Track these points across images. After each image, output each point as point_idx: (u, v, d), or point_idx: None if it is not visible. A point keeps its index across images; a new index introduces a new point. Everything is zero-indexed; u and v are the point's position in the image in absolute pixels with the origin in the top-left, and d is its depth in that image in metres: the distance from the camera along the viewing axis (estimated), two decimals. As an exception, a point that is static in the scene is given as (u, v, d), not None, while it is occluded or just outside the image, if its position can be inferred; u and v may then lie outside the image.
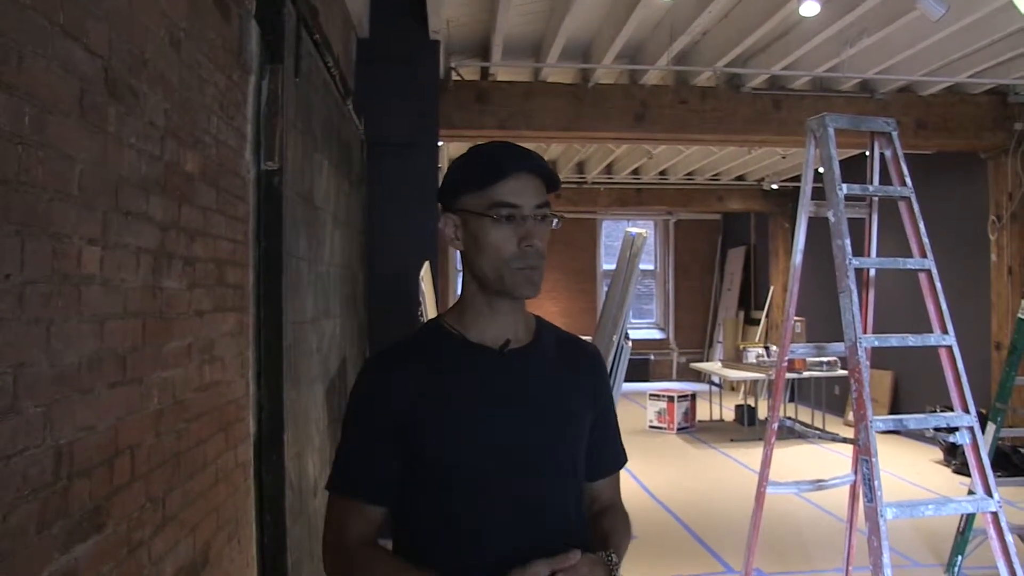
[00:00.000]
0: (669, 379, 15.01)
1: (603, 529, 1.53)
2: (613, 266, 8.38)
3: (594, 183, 12.47)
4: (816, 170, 3.86)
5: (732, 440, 9.56)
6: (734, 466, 8.35)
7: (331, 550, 1.45)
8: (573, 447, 1.51)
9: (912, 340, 3.58)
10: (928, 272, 3.62)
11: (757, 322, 13.42)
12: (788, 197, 12.58)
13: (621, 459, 1.65)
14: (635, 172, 11.84)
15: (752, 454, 8.54)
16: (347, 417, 1.50)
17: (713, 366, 11.47)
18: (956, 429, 3.51)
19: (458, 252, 1.50)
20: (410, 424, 1.41)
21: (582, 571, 1.33)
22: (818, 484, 3.94)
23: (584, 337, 1.80)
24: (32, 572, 1.28)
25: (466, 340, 1.47)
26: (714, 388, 11.35)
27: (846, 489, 4.12)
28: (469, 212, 1.44)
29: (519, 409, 1.44)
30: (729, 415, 11.03)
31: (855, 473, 3.96)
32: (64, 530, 1.39)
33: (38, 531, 1.30)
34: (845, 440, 4.37)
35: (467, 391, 1.44)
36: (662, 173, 11.90)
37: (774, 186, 12.30)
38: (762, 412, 10.17)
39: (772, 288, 13.01)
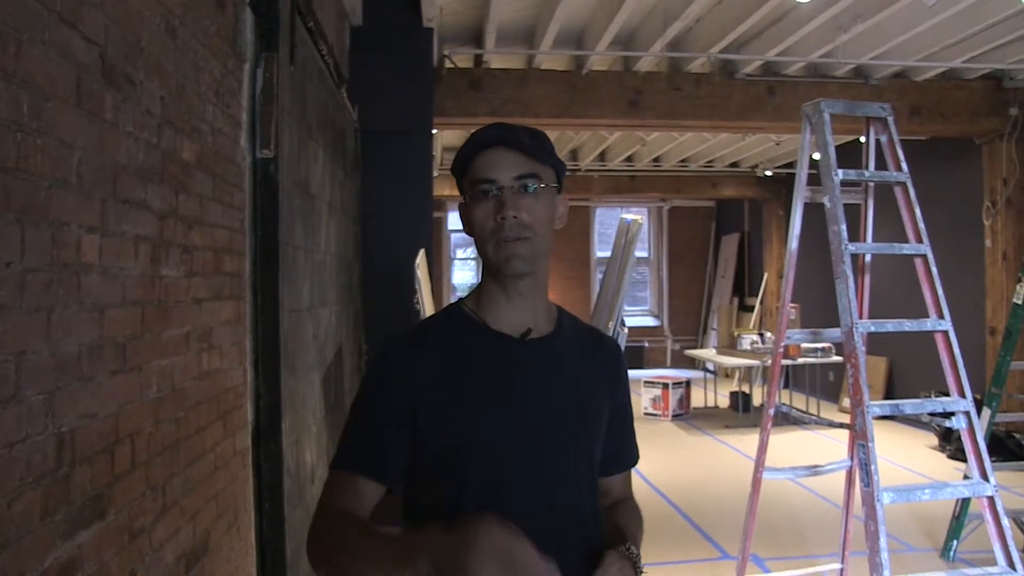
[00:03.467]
0: (663, 366, 15.04)
1: (618, 522, 1.50)
2: (607, 254, 8.38)
3: (588, 170, 12.46)
4: (811, 156, 3.86)
5: (727, 427, 9.59)
6: (729, 452, 8.38)
7: (315, 521, 1.37)
8: (589, 441, 1.47)
9: (908, 325, 3.59)
10: (924, 257, 3.63)
11: (751, 309, 13.45)
12: (782, 184, 12.59)
13: (635, 456, 1.63)
14: (629, 159, 11.83)
15: (746, 440, 8.58)
16: (360, 395, 1.46)
17: (707, 353, 11.49)
18: (952, 414, 3.52)
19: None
20: (424, 408, 1.39)
21: (612, 571, 1.30)
22: (814, 469, 3.95)
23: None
24: (36, 558, 1.28)
25: (487, 327, 1.44)
26: (708, 375, 11.38)
27: (841, 475, 4.14)
28: (464, 195, 1.43)
29: (536, 400, 1.41)
30: (724, 402, 11.06)
31: (851, 458, 3.98)
32: (67, 517, 1.39)
33: (41, 518, 1.30)
34: (842, 426, 4.38)
35: (485, 379, 1.41)
36: (656, 160, 11.89)
37: (768, 173, 12.32)
38: (756, 399, 10.21)
39: (766, 275, 13.03)
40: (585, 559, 1.41)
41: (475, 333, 1.44)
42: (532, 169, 1.39)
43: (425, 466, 1.41)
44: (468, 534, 1.13)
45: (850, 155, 5.54)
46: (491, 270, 1.43)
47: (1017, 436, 6.98)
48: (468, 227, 1.42)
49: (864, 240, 3.97)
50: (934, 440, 8.38)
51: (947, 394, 3.59)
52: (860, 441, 3.33)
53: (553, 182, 1.44)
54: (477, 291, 1.48)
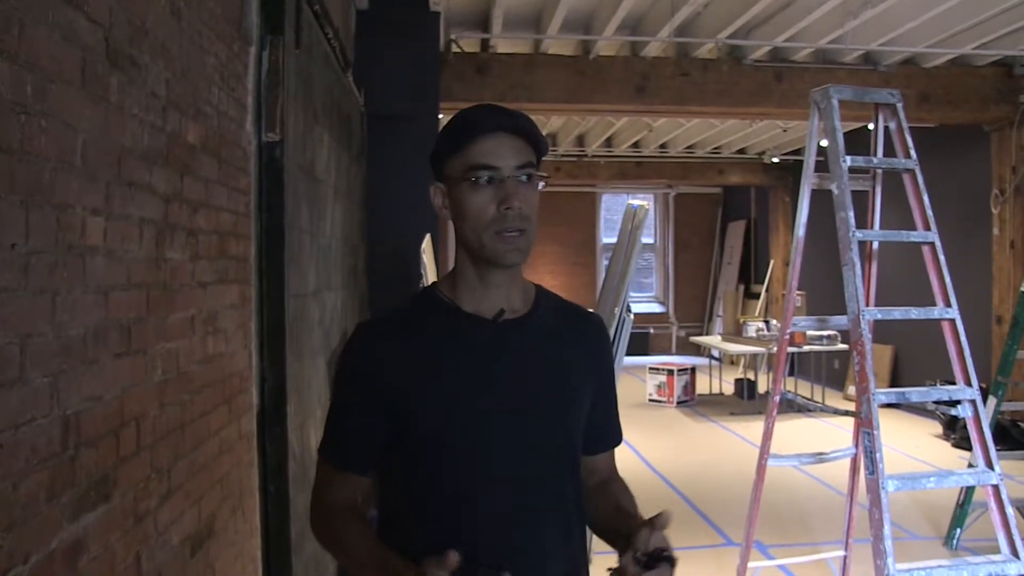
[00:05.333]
0: (669, 353, 15.05)
1: (618, 503, 1.49)
2: (613, 240, 8.34)
3: (594, 156, 12.42)
4: (819, 143, 3.85)
5: (732, 414, 9.60)
6: (734, 439, 8.39)
7: (314, 510, 1.50)
8: (569, 421, 1.46)
9: (915, 313, 3.58)
10: (932, 245, 3.62)
11: (757, 296, 13.43)
12: (789, 171, 12.54)
13: (619, 435, 1.62)
14: (635, 145, 11.79)
15: (752, 428, 8.58)
16: (335, 384, 1.48)
17: (713, 340, 11.49)
18: (957, 402, 3.52)
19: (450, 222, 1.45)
20: (399, 395, 1.38)
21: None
22: (819, 457, 3.96)
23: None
24: (42, 540, 1.28)
25: (459, 310, 1.42)
26: (714, 362, 11.38)
27: (846, 463, 4.15)
28: (451, 178, 1.39)
29: (513, 382, 1.40)
30: (729, 389, 11.07)
31: (856, 446, 3.98)
32: (72, 499, 1.39)
33: (47, 500, 1.30)
34: (847, 413, 4.38)
35: (459, 363, 1.40)
36: (662, 146, 11.86)
37: (775, 159, 12.27)
38: (762, 386, 10.21)
39: (772, 262, 13.01)
40: (566, 542, 1.42)
41: (447, 316, 1.43)
42: (531, 158, 1.38)
43: (401, 449, 1.41)
44: None
45: (858, 142, 5.50)
46: (477, 256, 1.40)
47: (1022, 425, 6.97)
48: (458, 211, 1.39)
49: (871, 227, 3.96)
50: (939, 428, 8.37)
51: (953, 382, 3.58)
52: (865, 429, 3.33)
53: (539, 170, 1.42)
54: (452, 274, 1.46)
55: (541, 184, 1.42)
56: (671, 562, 1.25)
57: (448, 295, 1.45)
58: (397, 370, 1.39)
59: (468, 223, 1.38)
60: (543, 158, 1.46)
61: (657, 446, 7.74)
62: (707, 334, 14.31)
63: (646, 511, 1.56)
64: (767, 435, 3.86)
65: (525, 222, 1.36)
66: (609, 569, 1.28)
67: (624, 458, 1.65)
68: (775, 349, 4.22)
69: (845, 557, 4.17)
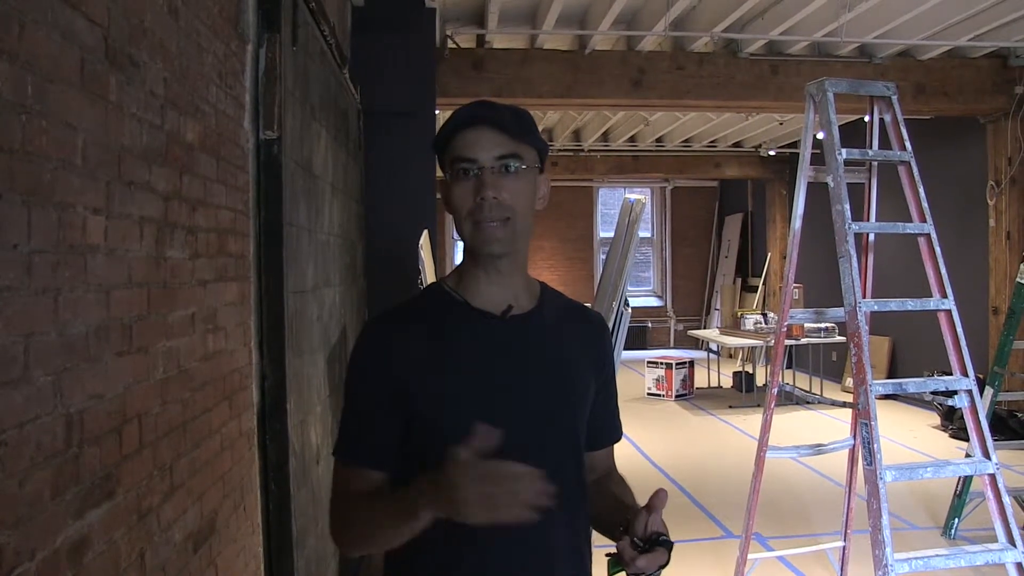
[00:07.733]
0: (667, 346, 15.07)
1: (619, 497, 1.50)
2: (610, 234, 8.36)
3: (591, 151, 12.43)
4: (815, 136, 3.86)
5: (730, 407, 9.62)
6: (732, 432, 8.41)
7: (333, 511, 1.47)
8: (576, 416, 1.48)
9: (911, 304, 3.59)
10: (927, 236, 3.63)
11: (754, 289, 13.45)
12: (785, 163, 12.56)
13: (619, 431, 1.63)
14: (632, 139, 11.80)
15: (750, 420, 8.60)
16: (347, 381, 1.49)
17: (711, 333, 11.50)
18: (954, 393, 3.53)
19: None
20: (409, 390, 1.39)
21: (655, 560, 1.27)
22: (817, 448, 3.97)
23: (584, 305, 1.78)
24: (48, 537, 1.29)
25: (468, 305, 1.44)
26: (712, 355, 11.39)
27: (844, 454, 4.16)
28: (445, 173, 1.42)
29: (521, 376, 1.42)
30: (727, 382, 11.08)
31: (854, 437, 3.99)
32: (77, 496, 1.40)
33: (52, 497, 1.31)
34: (844, 405, 4.40)
35: (468, 357, 1.41)
36: (659, 140, 11.86)
37: (771, 152, 12.29)
38: (760, 379, 10.22)
39: (769, 255, 13.03)
40: (572, 537, 1.43)
41: (455, 311, 1.44)
42: (514, 149, 1.38)
43: (413, 443, 1.42)
44: (447, 474, 1.20)
45: (854, 134, 5.51)
46: (469, 249, 1.43)
47: (1019, 415, 6.99)
48: (448, 205, 1.42)
49: (867, 219, 3.97)
50: (936, 419, 8.40)
51: (950, 373, 3.60)
52: (863, 420, 3.35)
53: (535, 163, 1.43)
54: (458, 269, 1.48)
55: (542, 175, 1.43)
56: (667, 546, 1.27)
57: (455, 290, 1.47)
58: (406, 365, 1.40)
59: (455, 215, 1.41)
60: (546, 152, 1.47)
61: (656, 440, 7.76)
62: (705, 327, 14.33)
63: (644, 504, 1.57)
64: (765, 427, 3.87)
65: (504, 211, 1.37)
66: (607, 555, 1.29)
67: (623, 452, 1.66)
68: (773, 342, 4.23)
69: (844, 548, 4.19)
